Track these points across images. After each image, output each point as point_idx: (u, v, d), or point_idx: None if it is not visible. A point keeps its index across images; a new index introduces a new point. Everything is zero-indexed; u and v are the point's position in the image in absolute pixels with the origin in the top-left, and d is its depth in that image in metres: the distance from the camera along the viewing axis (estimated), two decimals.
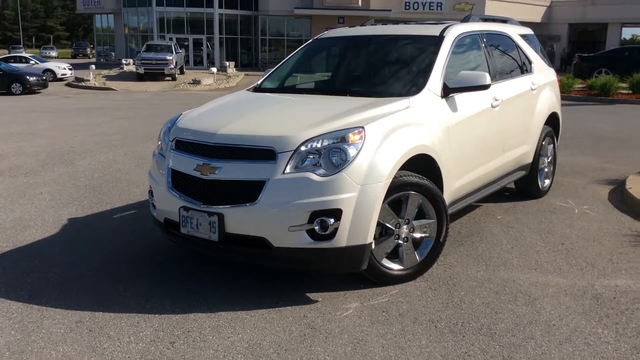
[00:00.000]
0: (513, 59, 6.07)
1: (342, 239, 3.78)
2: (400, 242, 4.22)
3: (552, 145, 6.73)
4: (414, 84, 4.68)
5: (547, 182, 6.76)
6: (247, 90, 5.46)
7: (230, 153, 3.93)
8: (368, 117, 4.06)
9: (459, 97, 4.84)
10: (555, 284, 4.26)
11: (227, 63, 35.99)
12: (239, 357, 3.25)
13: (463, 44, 5.27)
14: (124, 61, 36.03)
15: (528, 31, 6.80)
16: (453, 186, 4.76)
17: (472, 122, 4.97)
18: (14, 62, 31.90)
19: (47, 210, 6.15)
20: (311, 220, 3.73)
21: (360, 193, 3.79)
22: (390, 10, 40.47)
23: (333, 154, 3.80)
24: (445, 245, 4.89)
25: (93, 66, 32.16)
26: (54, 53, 61.83)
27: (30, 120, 14.42)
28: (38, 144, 10.48)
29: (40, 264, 4.63)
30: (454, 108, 4.75)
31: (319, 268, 4.07)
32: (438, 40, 5.03)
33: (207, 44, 42.71)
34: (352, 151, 3.81)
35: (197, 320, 3.68)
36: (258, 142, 3.89)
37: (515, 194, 6.65)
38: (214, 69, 31.52)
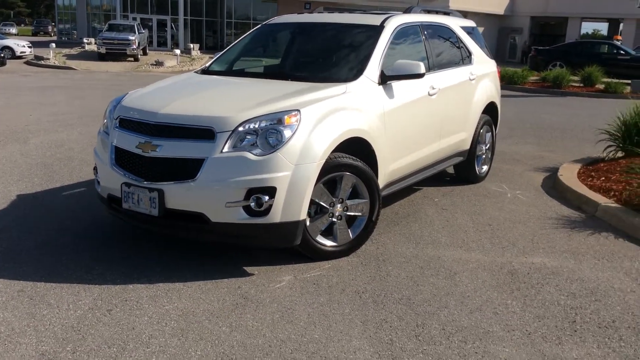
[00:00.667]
0: (453, 50, 6.37)
1: (277, 215, 4.02)
2: (334, 220, 4.48)
3: (490, 133, 7.08)
4: (353, 71, 4.93)
5: (485, 168, 7.11)
6: (194, 72, 5.64)
7: (171, 132, 4.12)
8: (305, 101, 4.29)
9: (396, 85, 5.10)
10: (476, 260, 4.58)
11: (192, 45, 35.72)
12: (171, 323, 3.48)
13: (403, 34, 5.52)
14: (85, 40, 35.47)
15: (470, 23, 7.12)
16: (388, 169, 5.03)
17: (408, 109, 5.24)
18: None
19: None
20: (247, 197, 3.96)
21: (294, 172, 4.03)
22: None
23: (269, 134, 4.03)
24: (381, 225, 5.21)
25: (53, 44, 31.64)
26: (13, 30, 60.23)
27: None
28: None
29: None
30: (390, 95, 5.02)
31: (255, 243, 4.29)
32: (378, 29, 5.28)
33: (171, 25, 42.29)
34: (287, 132, 4.04)
35: (135, 290, 3.88)
36: (198, 121, 4.09)
37: (455, 179, 6.99)
38: (178, 51, 31.28)
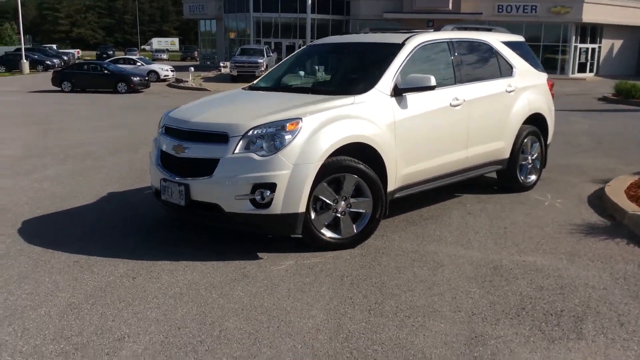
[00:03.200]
0: (488, 63, 6.70)
1: (277, 207, 4.71)
2: (338, 215, 5.08)
3: (537, 143, 7.25)
4: (365, 84, 5.50)
5: (532, 177, 7.28)
6: (242, 88, 6.51)
7: (197, 136, 4.99)
8: (310, 110, 4.96)
9: (411, 97, 5.61)
10: (469, 256, 4.96)
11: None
12: (175, 289, 4.27)
13: (425, 51, 6.01)
14: (221, 64, 38.37)
15: (516, 38, 7.37)
16: (401, 173, 5.53)
17: (424, 119, 5.71)
18: (123, 63, 35.03)
19: (96, 186, 7.48)
20: (253, 191, 4.70)
21: (293, 171, 4.70)
22: (481, 13, 40.22)
23: (273, 139, 4.75)
24: (399, 224, 5.74)
25: (192, 68, 34.56)
26: (164, 56, 66.31)
27: (123, 115, 16.32)
28: (117, 135, 12.11)
29: (69, 220, 5.89)
30: (403, 106, 5.53)
31: (261, 230, 5.01)
32: (398, 47, 5.82)
33: (299, 48, 44.45)
34: (288, 137, 4.74)
35: (161, 265, 4.74)
36: (216, 128, 4.92)
37: (502, 188, 7.23)
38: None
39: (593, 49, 43.35)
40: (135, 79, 27.71)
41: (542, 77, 7.44)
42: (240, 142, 4.77)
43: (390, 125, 5.39)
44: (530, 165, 7.23)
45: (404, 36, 6.01)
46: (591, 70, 43.43)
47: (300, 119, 4.84)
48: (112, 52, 63.90)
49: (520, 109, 6.89)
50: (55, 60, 46.81)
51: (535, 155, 7.28)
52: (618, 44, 44.06)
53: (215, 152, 4.83)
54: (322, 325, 3.73)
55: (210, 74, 36.47)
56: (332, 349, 3.43)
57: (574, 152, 10.18)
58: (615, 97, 20.40)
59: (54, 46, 68.35)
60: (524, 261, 4.85)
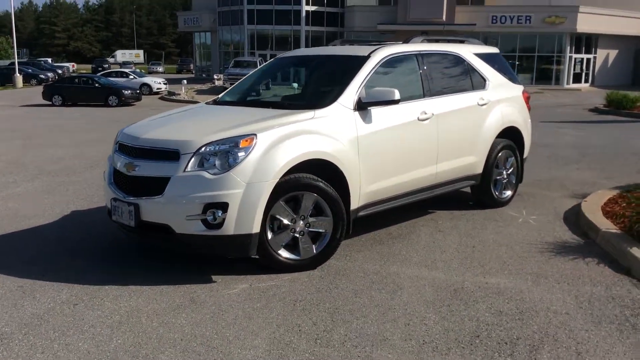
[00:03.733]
0: (459, 76, 6.52)
1: (230, 228, 4.51)
2: (297, 235, 4.87)
3: (513, 157, 7.06)
4: (327, 98, 5.32)
5: (508, 193, 7.09)
6: (206, 102, 6.32)
7: (147, 154, 4.79)
8: (265, 126, 4.77)
9: (376, 111, 5.42)
10: (431, 278, 4.75)
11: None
12: (116, 317, 4.06)
13: (392, 63, 5.83)
14: (215, 76, 38.27)
15: (490, 50, 7.20)
16: (366, 190, 5.34)
17: (390, 133, 5.52)
18: (115, 76, 34.93)
19: (61, 205, 7.27)
20: (204, 211, 4.50)
21: (245, 190, 4.50)
22: (474, 24, 40.21)
23: (225, 156, 4.55)
24: (366, 243, 5.55)
25: (185, 81, 34.48)
26: (160, 68, 66.27)
27: (110, 128, 16.11)
28: (99, 149, 11.91)
29: (23, 241, 5.69)
30: (367, 120, 5.34)
31: (214, 252, 4.80)
32: (363, 60, 5.64)
33: None
34: (241, 154, 4.54)
35: (107, 290, 4.52)
36: (167, 145, 4.72)
37: (478, 204, 7.03)
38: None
39: (588, 59, 43.30)
40: (126, 92, 27.58)
41: (517, 90, 7.26)
42: (192, 159, 4.58)
43: (353, 141, 5.20)
44: (505, 180, 7.04)
45: (370, 48, 5.84)
46: (586, 81, 43.35)
47: (255, 135, 4.65)
48: (107, 65, 63.88)
49: (494, 123, 6.71)
50: (49, 74, 46.65)
51: (510, 170, 7.09)
52: (613, 54, 44.02)
53: (166, 170, 4.63)
54: (262, 356, 3.52)
55: (204, 87, 36.38)
56: None
57: (558, 165, 9.99)
58: (607, 107, 20.25)
59: (49, 60, 68.31)
60: (487, 283, 4.64)
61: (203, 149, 4.59)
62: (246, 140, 4.60)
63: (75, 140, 13.86)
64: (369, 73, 5.54)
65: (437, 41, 6.66)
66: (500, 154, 6.84)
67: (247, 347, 3.63)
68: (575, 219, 6.44)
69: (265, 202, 4.59)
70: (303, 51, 6.59)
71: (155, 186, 4.64)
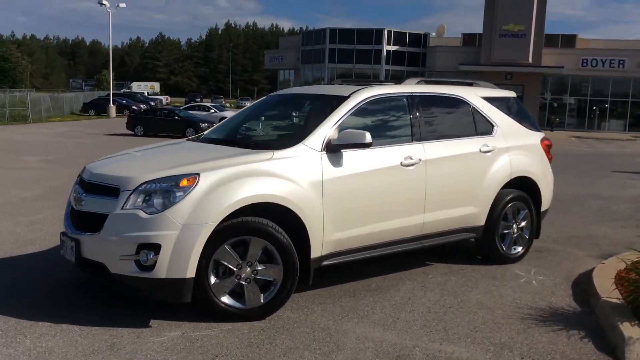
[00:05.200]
0: (460, 120, 6.05)
1: (162, 271, 4.27)
2: (242, 282, 4.56)
3: (526, 210, 6.44)
4: (292, 139, 5.03)
5: (519, 249, 6.45)
6: (187, 139, 6.18)
7: (93, 189, 4.68)
8: (213, 166, 4.53)
9: (349, 154, 5.07)
10: (380, 340, 4.28)
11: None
12: (23, 358, 3.88)
13: (377, 105, 5.48)
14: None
15: (502, 94, 6.65)
16: (331, 237, 4.96)
17: (363, 178, 5.13)
18: (198, 110, 36.17)
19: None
20: (138, 251, 4.29)
21: (181, 231, 4.27)
22: (562, 67, 38.64)
23: (162, 195, 4.35)
24: (335, 294, 5.19)
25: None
26: (248, 103, 68.31)
27: None
28: None
29: None
30: (336, 163, 4.99)
31: (147, 295, 4.56)
32: (342, 100, 5.33)
33: None
34: (179, 194, 4.32)
35: (39, 327, 4.37)
36: (109, 180, 4.59)
37: (485, 258, 6.43)
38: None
39: None
40: (203, 124, 28.40)
41: (534, 137, 6.66)
42: (131, 197, 4.40)
43: (316, 184, 4.86)
44: (515, 235, 6.41)
45: (352, 89, 5.52)
46: None
47: (198, 174, 4.42)
48: (199, 99, 66.52)
49: (500, 171, 6.15)
50: (141, 106, 49.05)
51: (523, 224, 6.45)
52: None
53: (106, 207, 4.48)
54: None
55: None
56: None
57: (602, 220, 9.10)
58: None
59: (145, 92, 72.05)
60: (439, 351, 4.12)
61: (143, 186, 4.41)
62: (188, 180, 4.38)
63: None
64: (345, 114, 5.21)
65: (438, 83, 6.22)
66: (509, 206, 6.25)
67: None
68: (586, 283, 5.72)
69: (202, 245, 4.32)
70: (292, 90, 6.38)
71: (96, 222, 4.50)
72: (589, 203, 10.74)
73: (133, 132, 28.42)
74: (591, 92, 41.79)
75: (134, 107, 47.97)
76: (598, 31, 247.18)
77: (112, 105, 44.52)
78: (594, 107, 42.03)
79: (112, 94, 46.74)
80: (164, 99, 66.34)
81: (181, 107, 37.07)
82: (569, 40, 43.24)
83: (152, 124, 28.92)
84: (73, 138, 24.85)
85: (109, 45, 49.90)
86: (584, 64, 39.84)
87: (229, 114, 36.98)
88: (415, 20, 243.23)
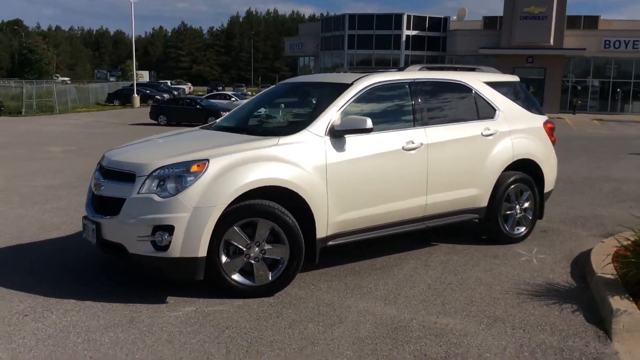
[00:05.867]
0: (461, 105, 6.25)
1: (176, 251, 4.59)
2: (251, 261, 4.86)
3: (529, 192, 6.63)
4: (297, 125, 5.30)
5: (522, 229, 6.65)
6: (200, 127, 6.48)
7: (111, 175, 5.01)
8: (222, 152, 4.83)
9: (353, 139, 5.32)
10: (380, 314, 4.55)
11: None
12: (49, 330, 4.22)
13: (379, 91, 5.71)
14: None
15: (505, 79, 6.83)
16: (335, 219, 5.23)
17: (366, 162, 5.38)
18: (219, 98, 36.56)
19: None
20: (153, 233, 4.62)
21: (192, 214, 4.58)
22: (584, 49, 38.18)
23: (175, 180, 4.66)
24: (341, 273, 5.44)
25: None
26: None
27: None
28: None
29: (22, 254, 6.10)
30: (340, 148, 5.25)
31: (162, 274, 4.88)
32: (345, 87, 5.57)
33: None
34: (190, 178, 4.63)
35: (64, 303, 4.73)
36: (126, 167, 4.91)
37: (489, 239, 6.65)
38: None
39: None
40: (223, 113, 28.75)
41: (537, 120, 6.83)
42: (146, 182, 4.72)
43: (320, 169, 5.12)
44: (518, 216, 6.61)
45: (355, 76, 5.75)
46: None
47: (208, 160, 4.72)
48: (221, 87, 66.98)
49: (501, 154, 6.35)
50: (165, 95, 49.56)
51: (526, 205, 6.65)
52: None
53: (123, 192, 4.81)
54: None
55: None
56: None
57: (610, 202, 9.22)
58: None
59: (169, 82, 72.74)
60: (435, 323, 4.38)
61: (157, 172, 4.72)
62: (198, 165, 4.68)
63: None
64: (348, 101, 5.46)
65: (441, 69, 6.43)
66: (511, 188, 6.45)
67: None
68: (585, 261, 5.92)
69: (212, 226, 4.63)
70: (299, 78, 6.63)
71: (114, 206, 4.83)
72: (600, 185, 10.84)
73: (156, 122, 28.95)
74: (614, 74, 41.27)
75: (157, 97, 48.58)
76: (622, 11, 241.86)
77: (136, 96, 45.18)
78: (618, 89, 41.50)
79: (136, 84, 47.28)
80: (187, 88, 66.94)
81: (203, 96, 37.45)
82: (591, 22, 42.64)
83: (174, 113, 29.38)
84: (97, 128, 25.41)
85: (132, 36, 50.51)
86: (607, 46, 39.33)
87: None
88: (436, 4, 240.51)
